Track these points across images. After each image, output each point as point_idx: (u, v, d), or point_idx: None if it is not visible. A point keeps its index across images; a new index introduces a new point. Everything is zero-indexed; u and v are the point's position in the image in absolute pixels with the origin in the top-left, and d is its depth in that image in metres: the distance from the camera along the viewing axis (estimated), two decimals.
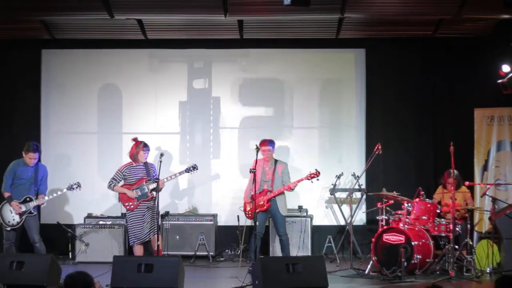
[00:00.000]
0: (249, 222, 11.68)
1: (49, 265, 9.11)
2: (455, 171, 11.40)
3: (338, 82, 13.68)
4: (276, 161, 11.62)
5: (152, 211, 11.07)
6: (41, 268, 9.08)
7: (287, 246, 11.58)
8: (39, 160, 11.31)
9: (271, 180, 11.43)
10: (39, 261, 9.26)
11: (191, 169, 11.66)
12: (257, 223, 10.90)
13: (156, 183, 10.96)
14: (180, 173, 11.61)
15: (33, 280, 8.98)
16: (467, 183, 11.74)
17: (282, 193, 11.45)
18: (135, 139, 11.41)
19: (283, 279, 8.89)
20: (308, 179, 11.45)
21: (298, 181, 11.46)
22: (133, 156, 11.32)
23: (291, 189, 11.47)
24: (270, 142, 11.56)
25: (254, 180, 10.91)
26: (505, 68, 11.84)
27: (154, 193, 11.07)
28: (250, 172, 10.99)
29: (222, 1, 11.44)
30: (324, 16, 12.24)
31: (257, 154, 11.04)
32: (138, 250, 11.18)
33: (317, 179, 11.49)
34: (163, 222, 12.60)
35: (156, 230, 10.95)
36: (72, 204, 13.36)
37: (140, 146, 11.28)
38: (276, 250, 12.37)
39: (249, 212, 11.42)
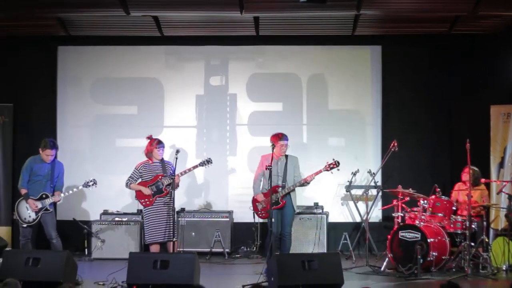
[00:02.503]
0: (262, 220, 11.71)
1: (65, 261, 9.17)
2: (475, 167, 11.39)
3: (354, 79, 13.63)
4: (286, 155, 11.35)
5: (169, 208, 11.02)
6: (57, 264, 9.14)
7: (288, 249, 11.28)
8: (56, 157, 11.33)
9: (284, 175, 11.17)
10: (55, 257, 9.32)
11: (205, 162, 11.54)
12: (273, 220, 10.67)
13: (172, 180, 10.96)
14: (194, 167, 11.51)
15: (49, 277, 9.04)
16: (483, 180, 11.70)
17: (294, 190, 11.33)
18: (149, 137, 11.37)
19: (298, 275, 8.90)
20: (327, 170, 11.23)
21: (316, 174, 11.20)
22: (148, 154, 11.29)
23: (307, 182, 11.25)
24: (286, 136, 11.38)
25: (270, 177, 10.71)
26: None
27: (169, 188, 11.06)
28: (266, 168, 10.79)
29: None
30: (340, 12, 12.22)
31: (272, 150, 10.97)
32: (155, 249, 11.12)
33: (338, 169, 11.29)
34: (179, 219, 12.61)
35: (171, 236, 10.94)
36: (88, 201, 13.42)
37: (154, 143, 11.24)
38: (292, 246, 12.35)
39: (262, 212, 11.34)
